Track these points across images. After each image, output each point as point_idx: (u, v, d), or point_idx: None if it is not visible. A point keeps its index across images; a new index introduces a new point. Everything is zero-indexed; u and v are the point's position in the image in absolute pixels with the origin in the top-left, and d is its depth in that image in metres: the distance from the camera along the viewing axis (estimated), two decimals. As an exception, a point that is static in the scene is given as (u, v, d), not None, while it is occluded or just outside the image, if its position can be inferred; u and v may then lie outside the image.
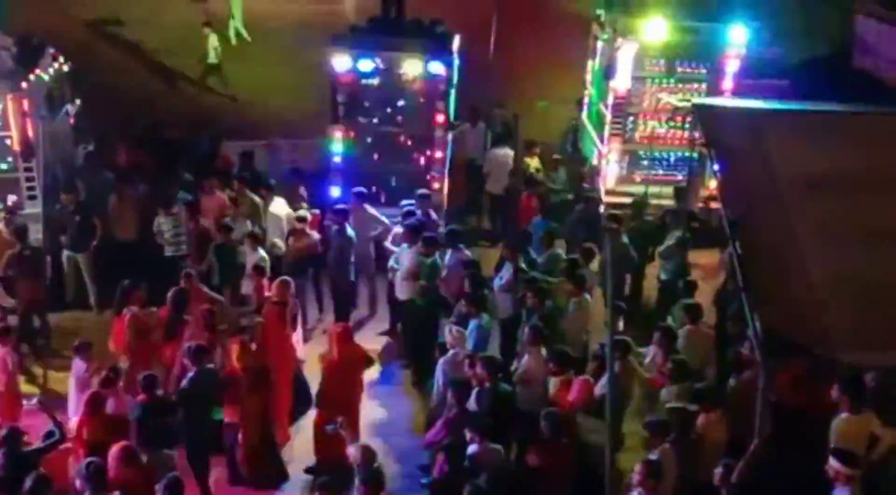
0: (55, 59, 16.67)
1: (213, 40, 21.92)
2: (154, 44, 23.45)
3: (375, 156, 16.86)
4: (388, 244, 15.00)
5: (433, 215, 15.48)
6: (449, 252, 14.10)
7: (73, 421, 11.33)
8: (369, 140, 16.81)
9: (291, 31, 23.30)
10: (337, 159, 16.64)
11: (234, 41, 23.67)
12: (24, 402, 11.24)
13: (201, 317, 12.42)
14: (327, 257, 15.02)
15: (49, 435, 10.55)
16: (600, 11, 18.19)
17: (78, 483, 9.89)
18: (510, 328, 13.27)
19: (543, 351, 11.64)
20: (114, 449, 9.95)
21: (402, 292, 14.13)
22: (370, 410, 12.79)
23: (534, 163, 18.05)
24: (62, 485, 10.10)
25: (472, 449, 10.13)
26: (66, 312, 15.37)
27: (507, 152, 17.92)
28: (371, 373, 12.86)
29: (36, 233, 15.29)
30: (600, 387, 10.97)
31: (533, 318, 12.34)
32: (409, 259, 13.98)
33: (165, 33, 23.43)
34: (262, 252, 14.41)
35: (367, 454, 9.68)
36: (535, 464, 10.02)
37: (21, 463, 9.98)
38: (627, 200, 16.44)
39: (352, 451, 9.74)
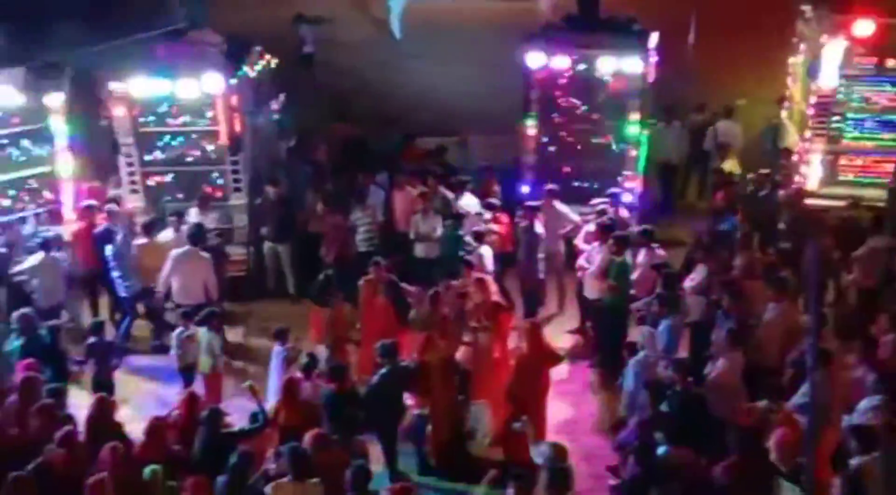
0: (261, 56, 17.35)
1: None
2: (353, 40, 24.04)
3: (568, 154, 16.81)
4: (578, 242, 14.93)
5: (625, 214, 15.31)
6: (642, 251, 13.93)
7: (269, 404, 11.75)
8: (562, 137, 16.77)
9: (486, 28, 23.47)
10: (529, 156, 16.68)
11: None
12: (243, 384, 11.69)
13: (392, 308, 12.69)
14: (516, 254, 15.08)
15: (253, 419, 11.01)
16: (805, 8, 17.56)
17: (273, 465, 10.28)
18: (701, 331, 12.99)
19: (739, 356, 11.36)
20: (307, 436, 10.27)
21: (591, 291, 14.05)
22: (557, 408, 12.77)
23: (729, 164, 17.60)
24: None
25: (662, 451, 9.98)
26: (265, 300, 16.00)
27: None
28: (559, 371, 12.84)
29: (240, 223, 16.02)
30: (799, 396, 10.60)
31: (729, 322, 12.03)
32: (600, 258, 13.88)
33: (365, 29, 23.97)
34: (485, 248, 14.53)
35: (558, 452, 9.66)
36: (723, 482, 9.74)
37: (220, 442, 10.45)
38: (830, 203, 15.83)
39: (542, 449, 9.74)
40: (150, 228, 14.81)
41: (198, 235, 14.48)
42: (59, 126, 15.60)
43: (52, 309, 13.78)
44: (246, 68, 16.49)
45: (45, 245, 14.15)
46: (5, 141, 15.32)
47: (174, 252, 14.32)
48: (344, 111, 19.82)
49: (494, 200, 15.81)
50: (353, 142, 18.56)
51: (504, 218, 15.52)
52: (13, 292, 14.20)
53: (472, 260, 14.05)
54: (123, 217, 15.42)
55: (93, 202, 15.51)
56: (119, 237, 14.65)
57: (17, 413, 10.72)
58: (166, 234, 15.01)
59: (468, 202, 15.91)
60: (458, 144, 18.40)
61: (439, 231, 15.45)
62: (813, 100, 16.44)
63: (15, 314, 12.73)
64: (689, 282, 13.35)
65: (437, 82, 21.31)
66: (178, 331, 13.13)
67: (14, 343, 12.31)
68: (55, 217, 15.65)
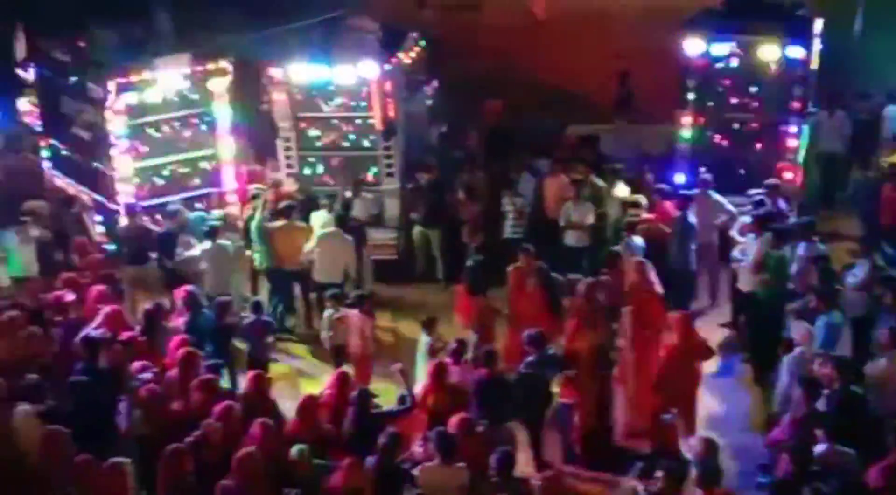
0: (416, 42, 17.50)
1: None
2: (502, 26, 23.92)
3: (725, 143, 16.41)
4: (733, 233, 14.56)
5: (783, 206, 14.86)
6: (801, 245, 13.48)
7: (416, 390, 11.86)
8: (719, 125, 16.38)
9: (642, 14, 23.01)
10: (684, 145, 16.35)
11: None
12: (391, 367, 11.88)
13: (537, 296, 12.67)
14: (668, 244, 14.81)
15: (401, 401, 11.15)
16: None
17: (420, 449, 10.40)
18: (862, 328, 12.52)
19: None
20: (453, 420, 10.33)
21: (746, 284, 13.69)
22: (707, 403, 12.52)
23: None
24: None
25: (819, 449, 9.66)
26: (414, 285, 16.18)
27: None
28: (710, 365, 12.57)
29: (393, 210, 16.23)
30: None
31: (891, 319, 11.55)
32: (756, 250, 13.51)
33: (514, 15, 23.80)
34: (637, 238, 14.36)
35: (710, 447, 9.47)
36: (878, 485, 9.36)
37: (370, 423, 10.61)
38: None
39: (693, 443, 9.58)
40: (288, 212, 15.04)
41: (343, 217, 14.73)
42: (221, 110, 16.12)
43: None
44: (401, 55, 16.66)
45: (212, 233, 14.46)
46: (170, 125, 15.92)
47: (320, 232, 14.63)
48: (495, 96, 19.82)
49: (664, 186, 15.52)
50: (501, 126, 18.51)
51: (667, 206, 15.20)
52: (175, 274, 14.75)
53: (619, 250, 13.86)
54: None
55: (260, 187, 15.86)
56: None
57: (177, 387, 11.13)
58: (319, 216, 15.32)
59: (620, 191, 15.71)
60: (610, 132, 18.17)
61: (590, 219, 15.32)
62: None
63: (178, 291, 13.24)
64: (851, 278, 12.88)
65: (589, 69, 21.03)
66: (328, 312, 13.39)
67: (178, 320, 12.78)
68: (218, 200, 16.17)
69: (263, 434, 9.94)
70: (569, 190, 15.79)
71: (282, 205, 15.09)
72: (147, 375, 11.10)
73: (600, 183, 15.87)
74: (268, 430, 9.99)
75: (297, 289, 15.28)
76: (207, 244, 14.32)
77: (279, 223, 14.90)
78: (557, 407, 12.04)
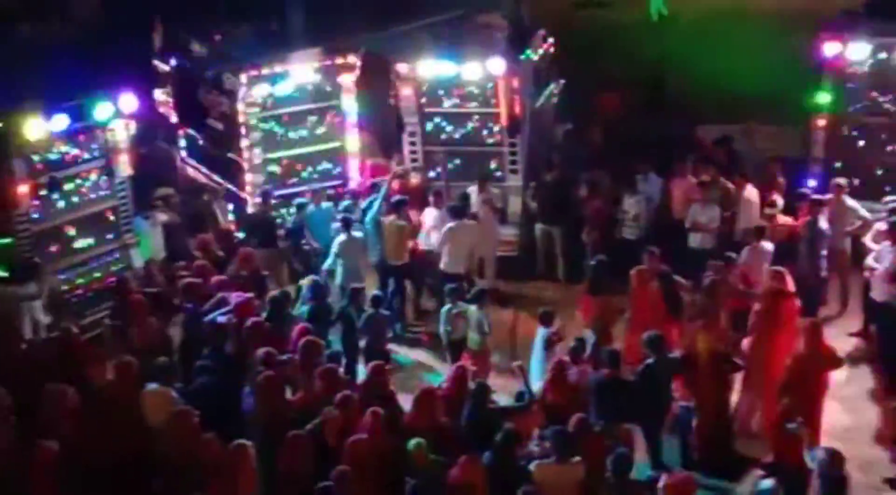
0: (544, 39, 17.45)
1: None
2: (633, 24, 23.66)
3: (860, 145, 15.93)
4: (867, 240, 14.11)
5: (922, 213, 14.31)
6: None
7: (534, 385, 11.84)
8: (855, 129, 15.90)
9: (775, 14, 22.49)
10: (818, 148, 15.91)
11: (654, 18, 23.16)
12: (511, 364, 11.87)
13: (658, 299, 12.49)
14: (798, 248, 14.43)
15: (519, 397, 11.15)
16: None
17: (536, 447, 10.38)
18: None
19: None
20: (572, 419, 10.28)
21: (879, 293, 13.25)
22: (834, 413, 12.16)
23: None
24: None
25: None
26: (534, 282, 16.13)
27: None
28: (838, 375, 12.21)
29: (515, 206, 16.23)
30: None
31: None
32: (891, 259, 13.06)
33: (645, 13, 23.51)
34: (766, 243, 14.05)
35: (835, 458, 9.21)
36: None
37: (486, 417, 10.63)
38: None
39: (818, 454, 9.32)
40: (399, 206, 15.06)
41: (460, 208, 14.85)
42: (349, 104, 16.37)
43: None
44: (529, 52, 16.64)
45: (346, 224, 14.59)
46: (299, 118, 16.23)
47: (448, 224, 14.73)
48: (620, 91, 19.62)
49: (805, 190, 15.15)
50: (621, 122, 18.26)
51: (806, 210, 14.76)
52: (304, 261, 15.03)
53: (735, 257, 13.56)
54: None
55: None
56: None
57: (297, 375, 11.35)
58: (430, 213, 15.41)
59: (749, 194, 15.37)
60: (742, 134, 17.79)
61: (717, 222, 15.05)
62: None
63: (305, 280, 13.50)
64: None
65: (720, 68, 20.65)
66: (447, 307, 13.46)
67: (301, 308, 13.04)
68: (343, 193, 16.41)
69: (374, 423, 10.06)
70: (696, 191, 15.52)
71: (394, 199, 15.23)
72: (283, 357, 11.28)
73: (729, 185, 15.55)
74: (379, 420, 10.10)
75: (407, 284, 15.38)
76: (342, 236, 14.49)
77: (391, 217, 15.03)
78: (677, 410, 11.88)
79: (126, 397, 10.70)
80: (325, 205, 15.88)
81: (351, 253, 14.46)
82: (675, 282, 13.28)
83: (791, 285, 12.64)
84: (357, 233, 14.73)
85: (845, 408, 12.57)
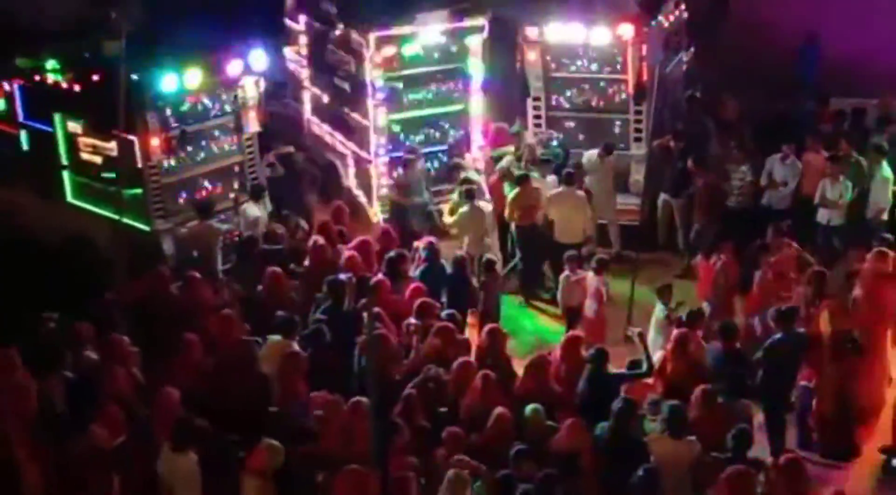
0: (677, 5, 17.07)
1: None
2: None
3: None
4: None
5: None
6: None
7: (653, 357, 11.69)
8: None
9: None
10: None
11: None
12: (629, 331, 11.79)
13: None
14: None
15: (633, 365, 11.06)
16: None
17: (648, 413, 10.31)
18: None
19: None
20: (697, 391, 10.17)
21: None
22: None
23: None
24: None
25: None
26: (654, 253, 15.91)
27: None
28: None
29: (638, 175, 16.00)
30: None
31: None
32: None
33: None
34: None
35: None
36: None
37: (605, 383, 10.60)
38: None
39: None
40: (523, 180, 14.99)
41: (571, 176, 14.75)
42: (475, 67, 16.34)
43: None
44: (660, 18, 16.31)
45: (470, 195, 14.49)
46: (425, 79, 16.26)
47: (552, 192, 14.62)
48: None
49: None
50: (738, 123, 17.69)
51: None
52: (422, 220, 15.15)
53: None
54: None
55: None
56: None
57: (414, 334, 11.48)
58: (548, 181, 15.32)
59: (884, 170, 14.82)
60: (878, 107, 17.14)
61: (846, 198, 14.58)
62: None
63: (420, 241, 13.60)
64: None
65: (859, 38, 19.90)
66: (564, 274, 13.40)
67: (418, 269, 13.15)
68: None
69: (483, 385, 10.13)
70: (827, 166, 15.04)
71: (518, 172, 15.15)
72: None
73: (861, 160, 15.02)
74: (488, 382, 10.14)
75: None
76: (466, 207, 14.44)
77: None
78: (798, 389, 11.62)
79: (236, 348, 11.00)
80: (421, 164, 15.90)
81: (474, 223, 14.41)
82: (799, 258, 12.94)
83: (891, 264, 12.22)
84: (482, 203, 14.68)
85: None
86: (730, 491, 8.92)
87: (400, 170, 15.87)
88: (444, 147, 16.50)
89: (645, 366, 10.94)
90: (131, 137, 13.89)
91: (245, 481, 9.33)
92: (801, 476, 9.31)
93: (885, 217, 14.61)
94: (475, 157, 16.43)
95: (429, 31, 15.90)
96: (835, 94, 17.87)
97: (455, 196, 14.86)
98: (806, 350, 11.35)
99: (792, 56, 18.76)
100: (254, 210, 14.53)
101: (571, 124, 16.64)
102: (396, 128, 16.34)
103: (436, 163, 16.32)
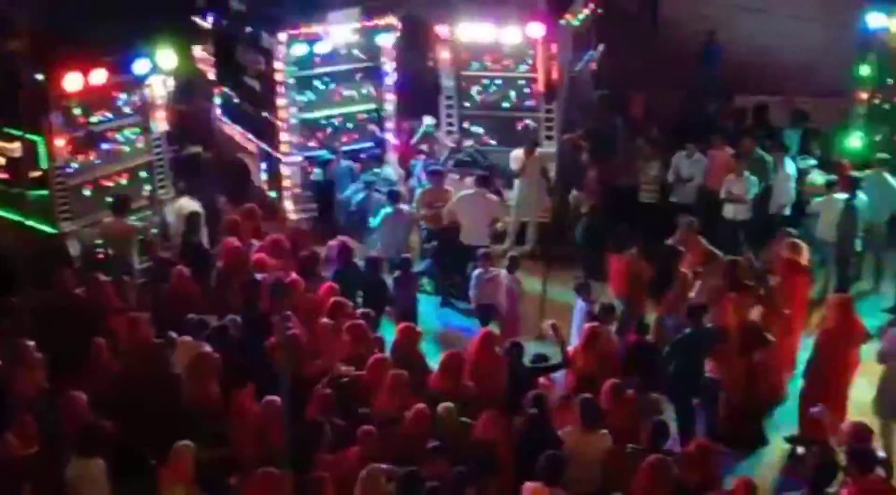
0: (586, 4, 17.28)
1: None
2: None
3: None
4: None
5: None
6: None
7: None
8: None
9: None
10: (859, 120, 15.71)
11: None
12: (543, 324, 11.91)
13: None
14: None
15: (540, 359, 11.17)
16: None
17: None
18: None
19: None
20: (606, 385, 10.31)
21: (915, 269, 13.16)
22: (864, 388, 12.03)
23: None
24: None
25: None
26: (565, 249, 16.03)
27: None
28: (868, 350, 12.11)
29: (550, 172, 16.16)
30: None
31: None
32: (929, 235, 12.95)
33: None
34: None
35: (861, 432, 9.20)
36: None
37: (522, 377, 10.77)
38: None
39: (845, 427, 9.31)
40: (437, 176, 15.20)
41: (484, 179, 14.85)
42: (387, 66, 16.34)
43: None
44: (568, 16, 16.49)
45: (394, 197, 14.53)
46: (336, 78, 16.21)
47: (461, 193, 14.69)
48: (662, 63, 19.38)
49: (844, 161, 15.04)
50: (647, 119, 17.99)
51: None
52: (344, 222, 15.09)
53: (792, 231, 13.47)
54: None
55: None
56: None
57: (327, 333, 11.43)
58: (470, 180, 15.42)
59: (789, 166, 15.21)
60: (780, 104, 17.57)
61: (751, 193, 14.93)
62: None
63: (332, 242, 13.57)
64: None
65: (763, 38, 20.38)
66: (477, 271, 13.47)
67: (331, 268, 13.11)
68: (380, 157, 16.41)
69: (392, 386, 10.15)
70: (732, 162, 15.37)
71: (430, 168, 15.20)
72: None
73: (766, 156, 15.39)
74: (399, 382, 10.17)
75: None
76: (388, 208, 14.45)
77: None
78: (706, 382, 11.85)
79: (145, 351, 10.85)
80: (345, 163, 15.88)
81: (394, 225, 14.44)
82: (708, 253, 13.19)
83: (806, 259, 12.58)
84: (403, 206, 14.70)
85: (874, 384, 12.43)
86: (649, 480, 9.04)
87: (318, 169, 15.78)
88: (362, 145, 16.47)
89: (560, 357, 11.04)
90: (35, 138, 13.59)
91: (167, 490, 9.18)
92: (710, 462, 9.50)
93: (787, 212, 14.98)
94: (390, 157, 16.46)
95: (340, 30, 15.85)
96: (738, 92, 18.31)
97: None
98: (714, 343, 11.56)
99: (697, 55, 19.16)
100: (190, 204, 14.38)
101: (483, 124, 16.73)
102: (309, 127, 16.25)
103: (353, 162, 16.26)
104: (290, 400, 8.50)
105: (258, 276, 12.09)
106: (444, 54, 16.45)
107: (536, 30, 15.77)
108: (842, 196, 13.90)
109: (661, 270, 12.88)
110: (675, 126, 16.91)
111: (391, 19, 16.08)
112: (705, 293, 12.36)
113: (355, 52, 16.24)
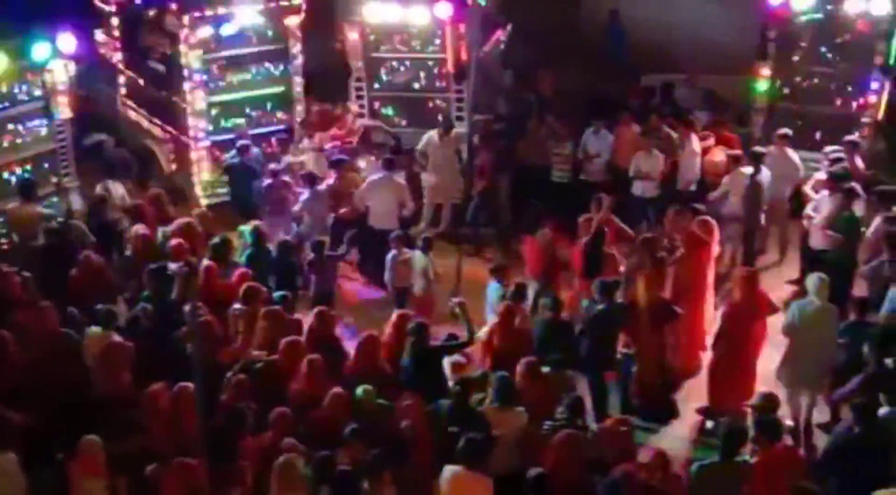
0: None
1: None
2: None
3: (803, 97, 16.09)
4: (807, 189, 14.31)
5: (860, 165, 14.53)
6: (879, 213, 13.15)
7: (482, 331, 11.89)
8: (797, 80, 16.06)
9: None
10: (761, 98, 16.05)
11: None
12: (450, 303, 11.94)
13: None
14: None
15: (452, 338, 11.23)
16: None
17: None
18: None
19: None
20: (521, 363, 10.39)
21: (817, 242, 13.48)
22: (769, 359, 12.33)
23: None
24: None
25: (884, 411, 9.58)
26: (478, 229, 16.11)
27: None
28: (774, 321, 12.42)
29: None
30: None
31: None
32: (828, 208, 13.29)
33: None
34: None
35: (768, 401, 9.44)
36: None
37: (428, 355, 10.76)
38: None
39: (754, 398, 9.56)
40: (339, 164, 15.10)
41: (391, 161, 14.81)
42: (295, 48, 16.16)
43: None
44: (476, -4, 16.51)
45: (310, 179, 14.44)
46: (244, 61, 16.02)
47: (370, 177, 14.65)
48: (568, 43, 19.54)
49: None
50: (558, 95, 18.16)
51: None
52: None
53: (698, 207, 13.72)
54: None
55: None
56: None
57: (241, 319, 11.32)
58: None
59: (693, 143, 15.48)
60: (685, 83, 17.85)
61: (659, 170, 15.16)
62: None
63: (246, 226, 13.42)
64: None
65: (666, 16, 20.68)
66: (391, 254, 13.46)
67: (244, 254, 12.97)
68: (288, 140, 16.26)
69: (311, 370, 10.11)
70: (639, 139, 15.59)
71: (336, 157, 15.13)
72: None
73: (673, 134, 15.63)
74: (314, 367, 10.13)
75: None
76: (306, 192, 14.38)
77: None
78: (619, 357, 12.03)
79: (53, 342, 10.63)
80: (256, 149, 15.72)
81: (316, 206, 14.38)
82: (620, 231, 13.37)
83: (716, 236, 12.85)
84: (321, 188, 14.60)
85: (780, 355, 12.76)
86: (563, 455, 9.16)
87: (230, 153, 15.58)
88: (270, 129, 16.29)
89: (467, 335, 11.11)
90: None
91: (77, 483, 9.01)
92: (625, 436, 9.66)
93: (693, 188, 15.24)
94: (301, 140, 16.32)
95: (246, 12, 15.63)
96: (646, 71, 18.55)
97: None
98: (626, 319, 11.73)
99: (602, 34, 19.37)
100: (118, 188, 14.13)
101: (394, 105, 16.70)
102: (216, 111, 16.03)
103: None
104: (203, 388, 8.43)
105: (174, 266, 11.88)
106: (352, 36, 16.34)
107: (444, 10, 15.77)
108: (747, 170, 14.18)
109: (589, 252, 12.93)
110: (584, 104, 17.03)
111: (298, 0, 15.91)
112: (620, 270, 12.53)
113: (262, 33, 16.02)
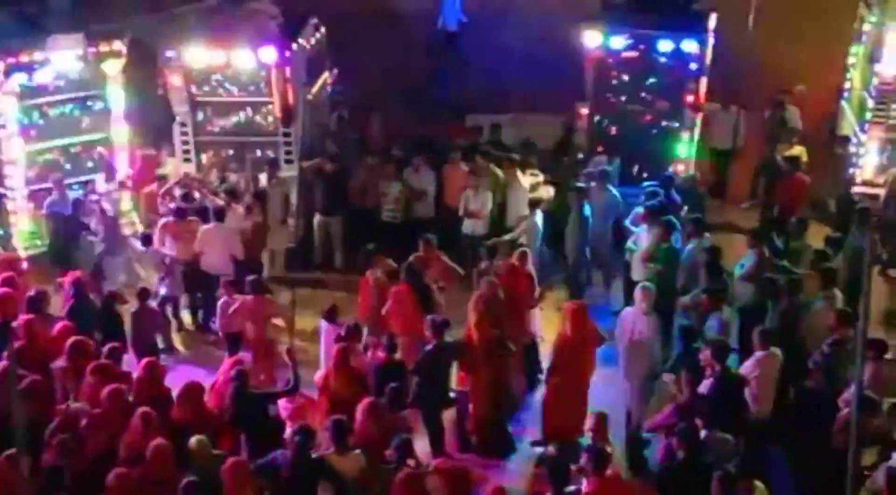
0: (317, 29, 17.36)
1: None
2: (409, 16, 23.84)
3: (621, 135, 16.68)
4: (627, 223, 14.83)
5: (677, 198, 15.15)
6: (691, 242, 13.71)
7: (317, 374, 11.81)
8: (616, 118, 16.66)
9: (548, 6, 23.14)
10: (580, 135, 16.60)
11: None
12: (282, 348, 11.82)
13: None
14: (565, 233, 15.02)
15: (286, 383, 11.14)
16: (868, -7, 17.23)
17: (324, 436, 10.38)
18: (750, 317, 12.84)
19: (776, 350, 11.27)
20: (360, 405, 10.35)
21: (638, 273, 13.95)
22: (598, 388, 12.61)
23: (796, 151, 17.08)
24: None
25: (702, 434, 9.97)
26: (312, 273, 16.04)
27: None
28: (602, 353, 12.76)
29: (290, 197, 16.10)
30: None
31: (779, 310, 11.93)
32: (647, 241, 13.79)
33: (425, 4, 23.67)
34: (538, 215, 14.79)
35: (599, 423, 9.72)
36: None
37: (249, 402, 10.66)
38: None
39: (588, 422, 9.82)
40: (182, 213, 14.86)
41: (220, 212, 14.66)
42: (115, 93, 15.79)
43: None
44: (301, 41, 16.51)
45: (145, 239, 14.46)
46: (62, 108, 15.54)
47: (203, 227, 14.45)
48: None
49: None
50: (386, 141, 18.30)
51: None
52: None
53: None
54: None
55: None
56: None
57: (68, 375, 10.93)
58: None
59: (524, 180, 15.83)
60: (511, 122, 18.28)
61: (488, 208, 15.44)
62: (874, 86, 16.18)
63: (66, 277, 12.96)
64: (739, 269, 13.24)
65: (492, 59, 21.17)
66: (222, 300, 13.24)
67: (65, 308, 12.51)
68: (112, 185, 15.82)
69: (143, 425, 9.84)
70: (467, 178, 15.84)
71: (175, 205, 14.88)
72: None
73: (499, 172, 15.95)
74: (148, 421, 9.87)
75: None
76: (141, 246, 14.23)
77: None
78: (454, 395, 12.12)
79: None
80: (74, 195, 15.22)
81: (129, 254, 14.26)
82: (447, 268, 13.53)
83: (531, 267, 13.21)
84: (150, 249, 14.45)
85: (608, 383, 13.09)
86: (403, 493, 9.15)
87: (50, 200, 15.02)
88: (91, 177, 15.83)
89: (292, 381, 11.01)
90: None
91: None
92: (463, 473, 9.74)
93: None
94: (109, 188, 15.88)
95: (62, 57, 15.18)
96: (470, 111, 18.93)
97: None
98: (457, 357, 11.84)
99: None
100: None
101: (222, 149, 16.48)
102: (34, 160, 15.47)
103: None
104: (30, 452, 8.08)
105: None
106: (174, 80, 16.08)
107: (269, 54, 15.71)
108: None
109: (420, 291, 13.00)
110: (411, 145, 17.21)
111: (117, 44, 15.55)
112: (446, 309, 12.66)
113: (80, 79, 15.57)
